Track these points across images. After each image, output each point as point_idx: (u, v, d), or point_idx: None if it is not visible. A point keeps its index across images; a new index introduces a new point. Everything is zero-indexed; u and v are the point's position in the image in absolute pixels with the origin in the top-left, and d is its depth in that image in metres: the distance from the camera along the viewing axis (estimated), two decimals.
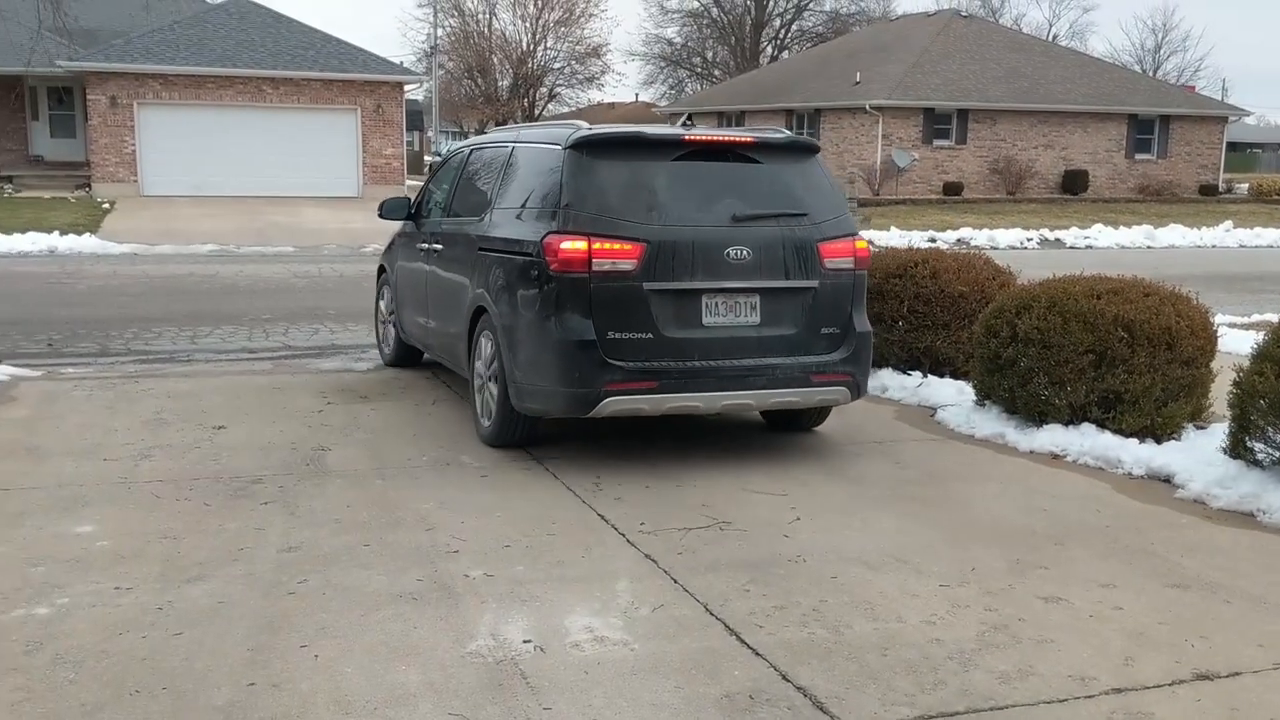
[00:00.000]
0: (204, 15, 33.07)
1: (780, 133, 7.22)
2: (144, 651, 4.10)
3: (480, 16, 61.45)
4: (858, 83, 38.17)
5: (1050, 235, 25.73)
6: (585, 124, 6.82)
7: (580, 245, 6.21)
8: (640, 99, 74.82)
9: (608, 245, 6.22)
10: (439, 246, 8.04)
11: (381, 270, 9.74)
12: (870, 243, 7.54)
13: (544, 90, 63.08)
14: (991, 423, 7.56)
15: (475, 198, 7.82)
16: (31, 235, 18.39)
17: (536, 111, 63.49)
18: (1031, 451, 7.11)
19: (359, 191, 31.27)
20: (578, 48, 61.45)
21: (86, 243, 18.39)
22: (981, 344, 7.62)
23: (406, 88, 34.13)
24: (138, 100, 29.42)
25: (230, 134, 29.80)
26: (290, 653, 4.12)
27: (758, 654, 4.18)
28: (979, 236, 24.16)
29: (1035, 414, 7.28)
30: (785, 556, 5.20)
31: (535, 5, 59.88)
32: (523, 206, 6.87)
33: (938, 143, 37.39)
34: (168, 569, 4.88)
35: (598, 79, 63.89)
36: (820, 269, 6.64)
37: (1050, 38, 69.14)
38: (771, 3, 66.19)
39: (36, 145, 33.51)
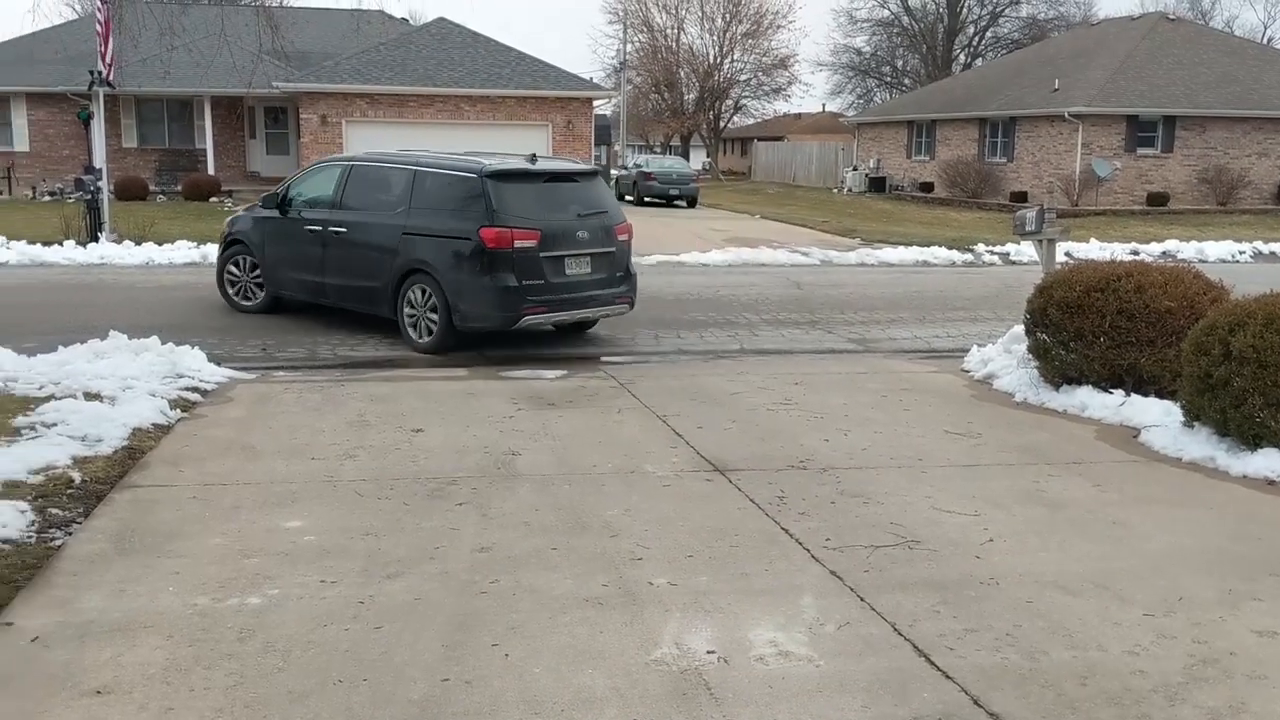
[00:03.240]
0: (408, 37, 34.53)
1: (587, 164, 12.42)
2: (346, 643, 4.29)
3: (668, 31, 62.16)
4: (1056, 90, 36.76)
5: (1265, 248, 24.15)
6: (429, 151, 11.70)
7: (506, 233, 10.34)
8: (827, 109, 74.09)
9: (521, 232, 10.39)
10: (341, 230, 11.48)
11: (231, 243, 12.97)
12: (1069, 255, 7.30)
13: (729, 102, 63.22)
14: (1201, 445, 7.15)
15: (382, 200, 11.36)
16: None
17: (722, 124, 63.67)
18: (1245, 476, 6.69)
19: None
20: (764, 59, 61.37)
21: None
22: (1191, 362, 7.22)
23: (596, 103, 34.79)
24: (346, 118, 30.95)
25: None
26: (482, 651, 4.24)
27: (948, 677, 4.07)
28: (1186, 249, 22.89)
29: (1249, 437, 6.85)
30: (977, 578, 5.04)
31: (723, 18, 60.16)
32: (452, 209, 10.66)
33: (1141, 151, 35.62)
34: (369, 565, 5.10)
35: (784, 90, 63.64)
36: (615, 241, 11.21)
37: (1265, 40, 64.97)
38: (965, 9, 64.55)
39: (253, 162, 35.71)
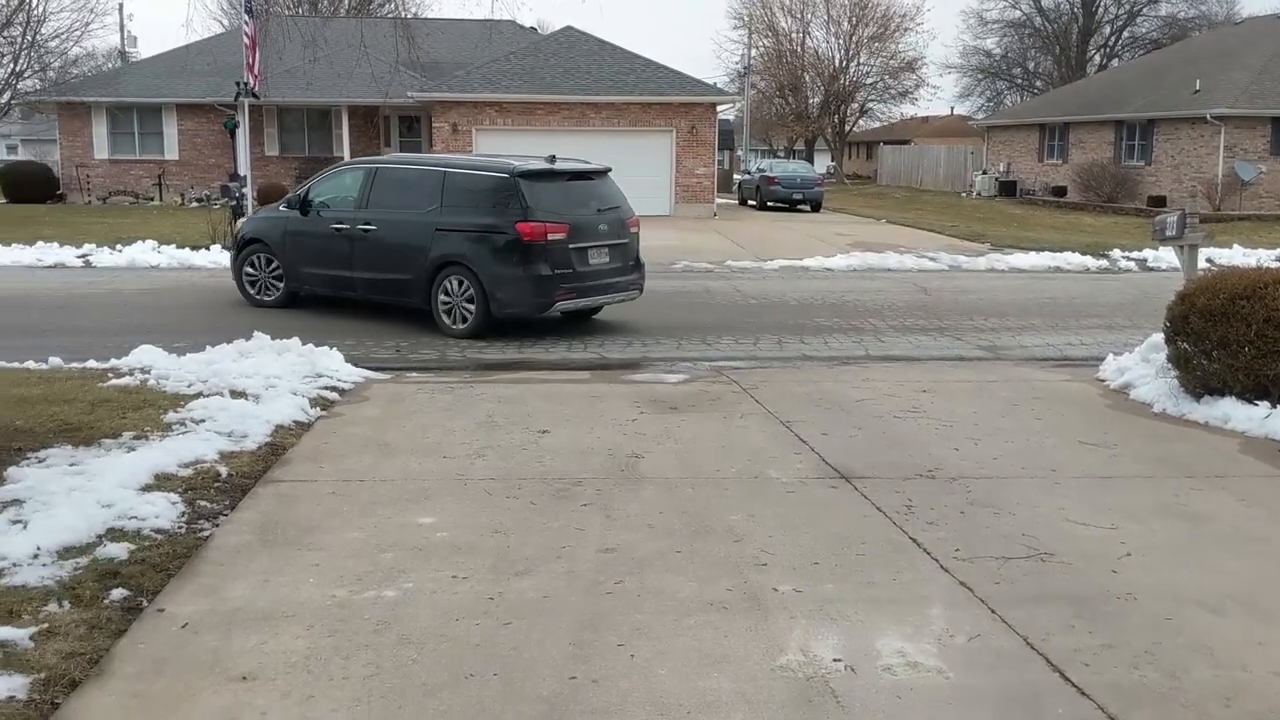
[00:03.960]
0: (536, 45, 35.07)
1: (601, 165, 12.90)
2: (478, 638, 4.40)
3: (793, 35, 61.74)
4: (1197, 91, 35.38)
5: None
6: (452, 155, 13.97)
7: (540, 227, 11.43)
8: (955, 112, 72.65)
9: (553, 226, 11.50)
10: (370, 228, 12.39)
11: (248, 243, 13.75)
12: (1211, 261, 7.09)
13: (855, 106, 62.49)
14: None
15: (411, 199, 12.25)
16: None
17: (847, 128, 62.97)
18: None
19: (670, 210, 32.12)
20: (891, 62, 60.42)
21: None
22: None
23: (719, 107, 34.79)
24: (476, 126, 31.57)
25: None
26: (608, 651, 4.30)
27: (1084, 694, 3.97)
28: None
29: None
30: (1114, 593, 4.90)
31: (849, 21, 59.49)
32: (486, 206, 11.68)
33: None
34: (499, 562, 5.22)
35: (911, 93, 62.51)
36: (628, 233, 12.46)
37: None
38: (1101, 9, 62.57)
39: None
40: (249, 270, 13.79)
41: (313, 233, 13.02)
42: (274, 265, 13.52)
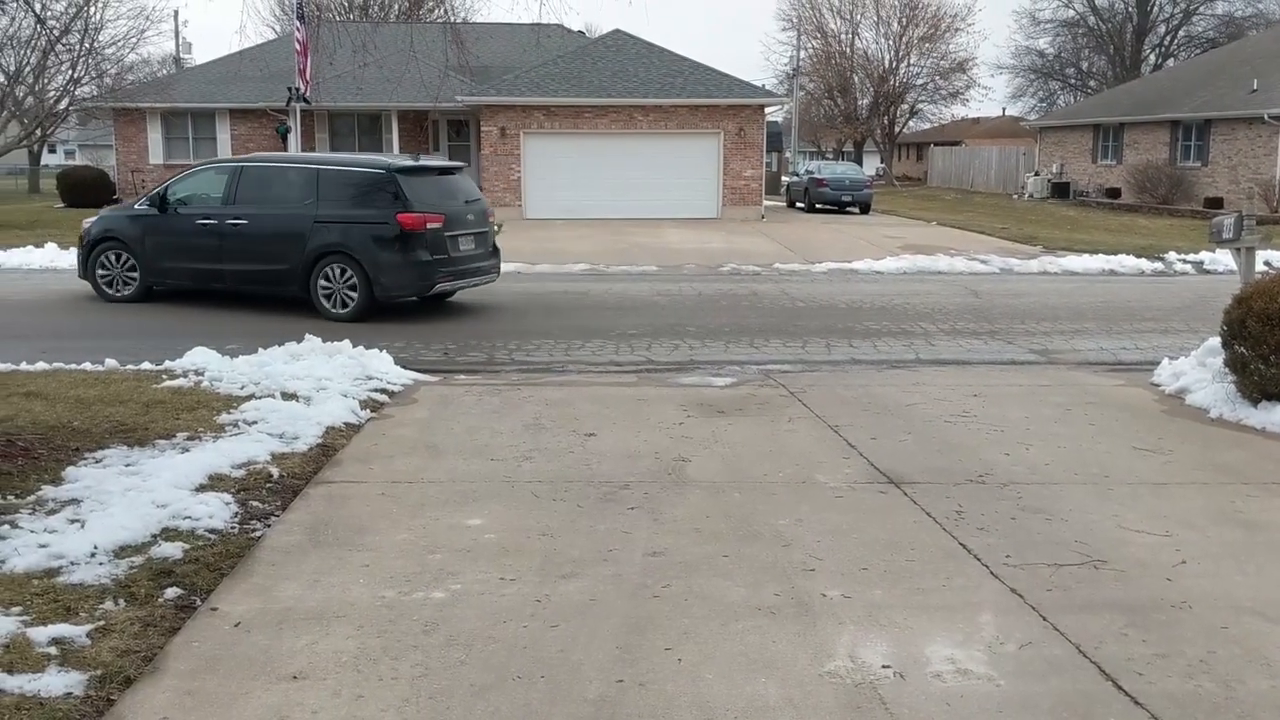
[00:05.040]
0: (584, 49, 35.19)
1: (460, 164, 14.76)
2: (525, 640, 4.42)
3: (842, 36, 61.45)
4: (1255, 90, 34.71)
5: None
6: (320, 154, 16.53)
7: (419, 217, 12.78)
8: (1006, 113, 71.92)
9: (431, 216, 12.89)
10: (240, 222, 13.35)
11: (99, 241, 14.27)
12: (1268, 264, 6.96)
13: (905, 107, 62.04)
14: None
15: (284, 195, 13.38)
16: None
17: (896, 129, 62.53)
18: None
19: (718, 213, 32.09)
20: (942, 63, 59.94)
21: None
22: None
23: (767, 109, 34.68)
24: (524, 130, 31.74)
25: (602, 160, 31.52)
26: (655, 654, 4.30)
27: (1137, 703, 3.91)
28: None
29: None
30: (1168, 601, 4.82)
31: (899, 22, 59.10)
32: (366, 200, 12.99)
33: None
34: (545, 564, 5.24)
35: (962, 94, 61.94)
36: (487, 222, 14.06)
37: None
38: (1156, 8, 61.61)
39: None
40: (102, 269, 14.32)
41: (175, 229, 13.83)
42: (127, 261, 14.17)
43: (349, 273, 12.84)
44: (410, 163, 13.44)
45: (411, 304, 13.71)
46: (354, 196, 13.04)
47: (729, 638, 4.44)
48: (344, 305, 12.92)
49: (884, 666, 4.18)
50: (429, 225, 12.78)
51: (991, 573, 5.17)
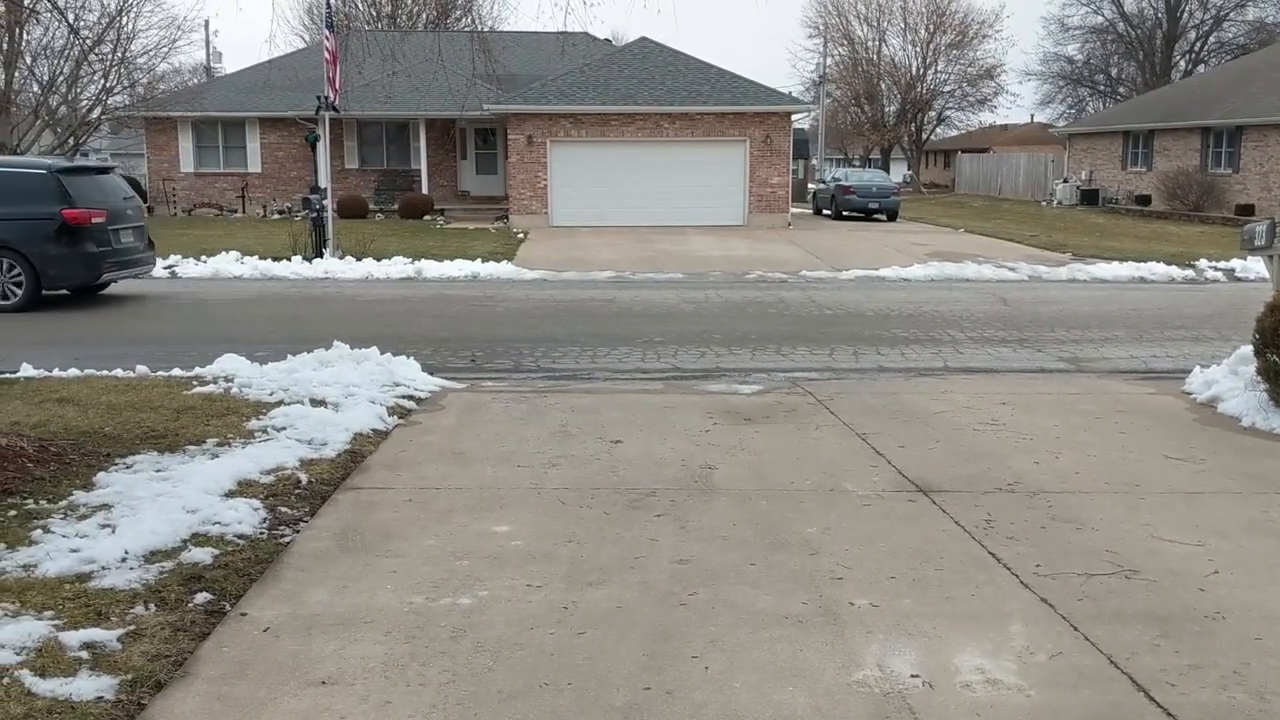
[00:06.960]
0: (611, 57, 35.26)
1: (112, 164, 17.15)
2: (552, 647, 4.41)
3: (869, 43, 61.33)
4: None
5: None
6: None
7: (85, 213, 14.06)
8: (1035, 120, 71.52)
9: (95, 211, 14.18)
10: None
11: None
12: None
13: (932, 114, 61.81)
14: None
15: None
16: (458, 263, 20.36)
17: (924, 136, 62.30)
18: None
19: (744, 220, 32.04)
20: (969, 70, 59.71)
21: (504, 269, 20.11)
22: None
23: (794, 117, 34.62)
24: (550, 138, 31.82)
25: (628, 167, 31.57)
26: (682, 662, 4.29)
27: (1170, 715, 3.87)
28: None
29: None
30: (1201, 612, 4.77)
31: (926, 29, 58.92)
32: (28, 197, 14.05)
33: None
34: (573, 571, 5.24)
35: (990, 101, 61.70)
36: (142, 218, 15.27)
37: None
38: (1186, 14, 61.12)
39: (463, 181, 37.17)
40: None
41: None
42: None
43: (14, 267, 14.01)
44: (68, 164, 14.92)
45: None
46: (17, 195, 14.07)
47: (757, 646, 4.42)
48: (7, 297, 14.07)
49: (913, 676, 4.16)
50: (93, 220, 14.10)
51: (1021, 582, 5.13)
